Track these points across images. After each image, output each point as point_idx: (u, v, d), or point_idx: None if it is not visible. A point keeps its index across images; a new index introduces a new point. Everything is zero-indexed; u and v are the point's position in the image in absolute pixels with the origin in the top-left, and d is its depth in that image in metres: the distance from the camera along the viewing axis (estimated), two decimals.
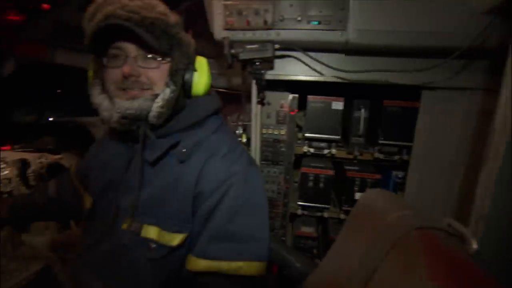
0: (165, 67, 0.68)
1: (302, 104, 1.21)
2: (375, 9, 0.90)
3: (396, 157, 1.16)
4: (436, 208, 1.05)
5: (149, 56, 0.66)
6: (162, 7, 0.68)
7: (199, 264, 0.67)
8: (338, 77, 1.01)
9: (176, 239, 0.68)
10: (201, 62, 0.75)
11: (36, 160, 1.68)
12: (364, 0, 0.90)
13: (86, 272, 0.74)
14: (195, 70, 0.73)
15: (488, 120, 0.64)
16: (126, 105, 0.64)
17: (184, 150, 0.71)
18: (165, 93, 0.68)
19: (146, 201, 0.70)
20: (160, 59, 0.67)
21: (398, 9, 0.88)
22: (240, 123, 1.19)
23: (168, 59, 0.68)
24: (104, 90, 0.68)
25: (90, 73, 0.71)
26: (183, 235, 0.69)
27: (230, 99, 1.42)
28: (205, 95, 0.77)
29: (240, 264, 0.68)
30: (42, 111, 1.52)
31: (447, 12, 0.85)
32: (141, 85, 0.66)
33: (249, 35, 1.00)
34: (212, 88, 0.80)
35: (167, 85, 0.68)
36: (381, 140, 1.13)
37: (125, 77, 0.64)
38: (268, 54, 0.97)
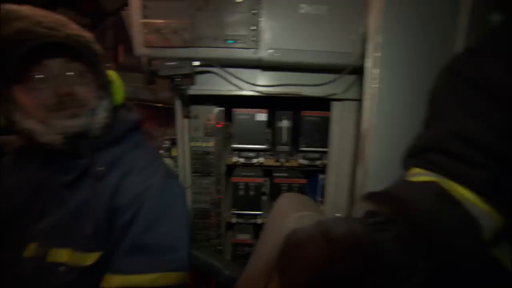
0: (92, 81, 0.69)
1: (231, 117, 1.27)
2: (282, 30, 1.00)
3: (318, 162, 1.27)
4: (348, 206, 1.17)
5: (75, 72, 0.65)
6: (73, 24, 0.68)
7: (113, 280, 0.66)
8: (255, 91, 1.09)
9: (89, 258, 0.67)
10: (111, 73, 0.78)
11: None
12: (273, 22, 0.99)
13: None
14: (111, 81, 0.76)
15: None
16: (68, 123, 0.64)
17: (101, 168, 0.71)
18: (103, 105, 0.69)
19: (58, 223, 0.68)
20: (88, 74, 0.68)
21: (303, 31, 0.99)
22: (167, 136, 1.20)
23: (91, 73, 0.69)
24: (27, 113, 0.63)
25: None
26: (98, 253, 0.68)
27: (163, 112, 1.43)
28: (121, 107, 0.78)
29: (155, 276, 0.68)
30: None
31: (343, 35, 0.98)
32: (78, 102, 0.66)
33: (169, 52, 1.03)
34: (137, 101, 0.83)
35: (101, 97, 0.70)
36: (302, 147, 1.23)
37: (60, 96, 0.63)
38: (187, 70, 1.02)
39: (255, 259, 0.87)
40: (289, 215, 0.73)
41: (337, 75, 0.99)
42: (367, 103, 0.68)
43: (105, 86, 0.73)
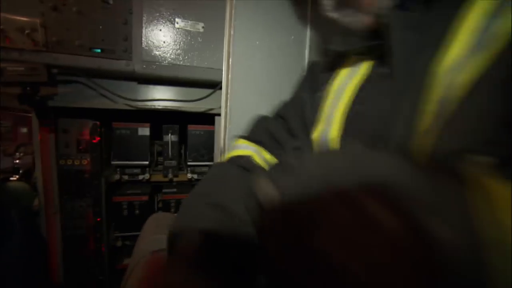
0: None
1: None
2: (158, 43, 0.96)
3: None
4: None
5: None
6: None
7: None
8: (130, 105, 1.02)
9: None
10: None
11: None
12: (147, 33, 0.94)
13: None
14: None
15: None
16: None
17: None
18: None
19: None
20: None
21: (179, 46, 0.97)
22: (20, 154, 1.01)
23: None
24: None
25: None
26: None
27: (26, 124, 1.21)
28: None
29: None
30: None
31: (218, 52, 1.00)
32: None
33: (15, 55, 0.87)
34: None
35: None
36: (189, 161, 1.21)
37: None
38: (41, 78, 0.88)
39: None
40: (147, 237, 0.70)
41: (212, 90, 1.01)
42: (222, 121, 0.71)
43: None
